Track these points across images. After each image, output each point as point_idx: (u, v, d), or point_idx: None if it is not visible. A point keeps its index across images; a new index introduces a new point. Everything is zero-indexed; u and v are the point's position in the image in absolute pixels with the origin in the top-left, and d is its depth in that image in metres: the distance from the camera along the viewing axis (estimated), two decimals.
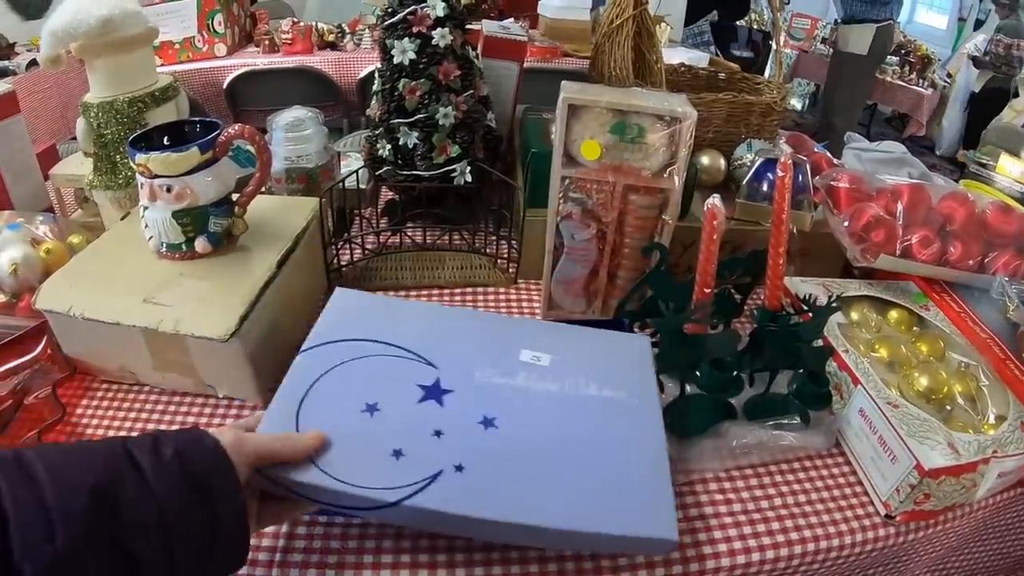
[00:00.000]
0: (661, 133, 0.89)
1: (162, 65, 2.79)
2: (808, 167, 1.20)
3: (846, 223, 1.09)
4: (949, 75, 6.37)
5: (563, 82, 0.93)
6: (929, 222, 1.11)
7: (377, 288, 1.14)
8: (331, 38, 3.21)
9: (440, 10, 1.09)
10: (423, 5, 1.08)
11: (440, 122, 1.13)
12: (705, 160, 1.31)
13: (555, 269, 1.03)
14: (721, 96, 1.35)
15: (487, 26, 1.42)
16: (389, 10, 1.10)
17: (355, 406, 0.67)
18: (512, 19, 3.22)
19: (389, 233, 1.22)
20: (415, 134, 1.15)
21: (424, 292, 1.16)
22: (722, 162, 1.34)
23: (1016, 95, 5.66)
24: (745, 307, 1.09)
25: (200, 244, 0.87)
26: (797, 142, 1.48)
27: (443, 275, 1.19)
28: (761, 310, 0.90)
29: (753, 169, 1.20)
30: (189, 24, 2.91)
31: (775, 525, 0.80)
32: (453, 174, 1.18)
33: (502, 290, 1.18)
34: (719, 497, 0.83)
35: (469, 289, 1.18)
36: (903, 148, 1.52)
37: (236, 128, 0.86)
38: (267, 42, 3.10)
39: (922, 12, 8.73)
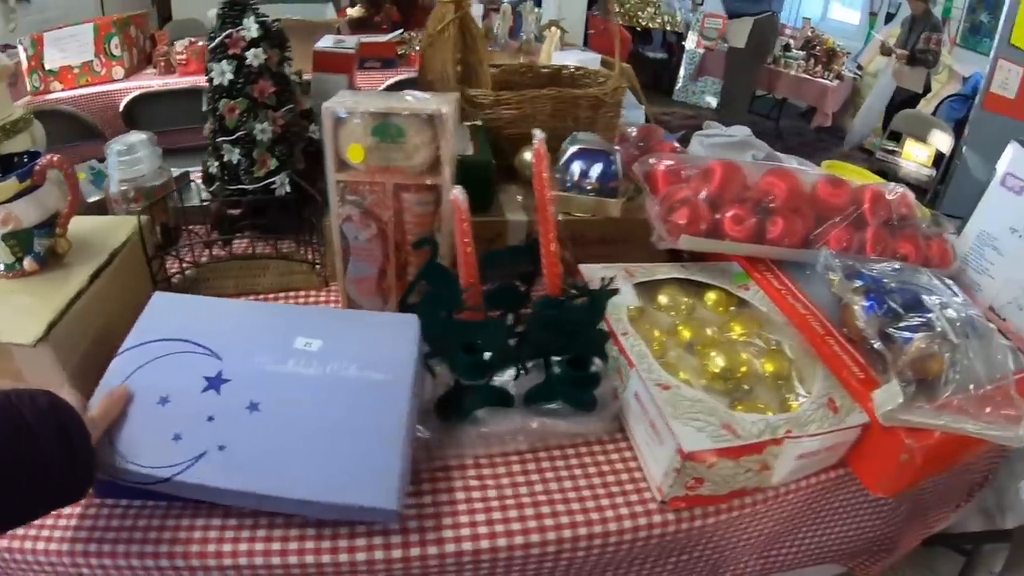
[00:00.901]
0: (421, 132, 0.90)
1: (62, 90, 2.79)
2: (619, 156, 1.17)
3: (656, 206, 1.06)
4: (860, 67, 6.52)
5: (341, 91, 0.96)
6: (745, 200, 1.08)
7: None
8: None
9: (254, 31, 1.14)
10: (239, 28, 1.13)
11: (258, 137, 1.18)
12: (527, 155, 1.27)
13: (346, 270, 1.01)
14: (544, 92, 1.32)
15: (321, 42, 1.57)
16: (212, 35, 1.16)
17: (152, 399, 0.76)
18: (403, 31, 3.20)
19: (219, 244, 1.26)
20: (237, 150, 1.19)
21: (246, 299, 1.16)
22: None
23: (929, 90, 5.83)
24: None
25: (28, 263, 0.95)
26: (646, 133, 1.46)
27: (265, 282, 1.21)
28: (543, 298, 0.87)
29: (562, 160, 1.17)
30: (87, 48, 2.87)
31: (529, 511, 0.77)
32: (273, 186, 1.21)
33: (313, 293, 1.19)
34: (475, 483, 0.81)
35: (283, 294, 1.19)
36: (747, 131, 1.50)
37: (49, 158, 0.93)
38: (163, 63, 3.05)
39: (836, 8, 8.93)
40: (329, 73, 1.48)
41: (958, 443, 0.85)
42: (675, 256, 1.17)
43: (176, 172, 1.32)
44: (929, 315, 0.91)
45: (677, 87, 6.96)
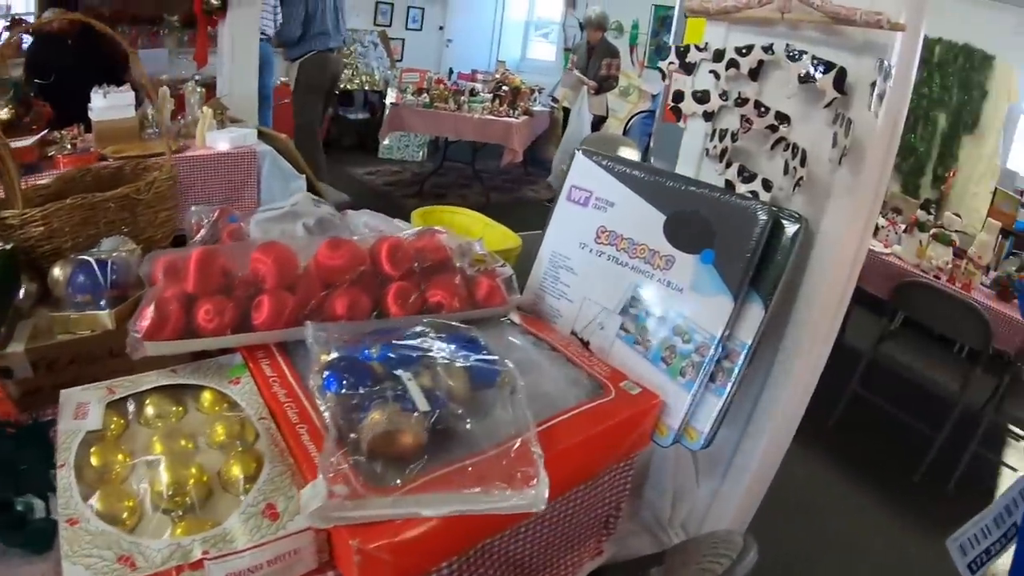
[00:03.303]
0: None
1: None
2: (110, 263, 1.07)
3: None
4: (555, 100, 6.90)
5: None
6: (232, 287, 1.00)
7: None
8: None
9: None
10: None
11: None
12: (56, 272, 1.13)
13: None
14: (68, 201, 1.20)
15: None
16: None
17: None
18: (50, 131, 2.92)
19: None
20: None
21: None
22: None
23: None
24: None
25: None
26: (218, 216, 1.36)
27: None
28: None
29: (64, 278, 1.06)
30: None
31: None
32: None
33: None
34: None
35: None
36: (301, 198, 1.44)
37: None
38: None
39: (534, 48, 9.47)
40: None
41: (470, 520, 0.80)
42: None
43: None
44: (408, 381, 0.88)
45: (383, 144, 7.01)
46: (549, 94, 7.17)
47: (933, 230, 3.66)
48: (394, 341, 0.96)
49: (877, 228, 3.85)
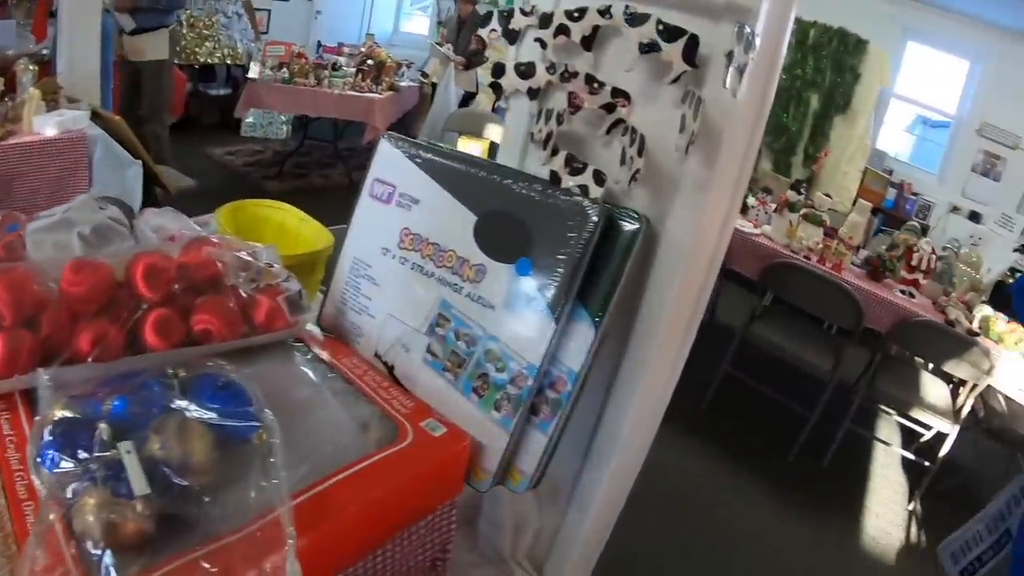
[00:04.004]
0: None
1: None
2: None
3: None
4: (424, 75, 6.65)
5: None
6: None
7: None
8: None
9: None
10: None
11: None
12: None
13: None
14: None
15: None
16: None
17: None
18: None
19: None
20: None
21: None
22: None
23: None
24: None
25: None
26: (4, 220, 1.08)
27: None
28: None
29: None
30: None
31: None
32: None
33: None
34: None
35: None
36: (79, 202, 1.16)
37: None
38: None
39: (408, 21, 9.16)
40: None
41: None
42: None
43: None
44: (127, 454, 0.66)
45: (245, 122, 6.59)
46: (419, 68, 6.89)
47: (804, 210, 3.65)
48: (131, 391, 0.74)
49: (747, 207, 3.81)
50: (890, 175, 6.37)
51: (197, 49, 6.54)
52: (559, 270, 0.87)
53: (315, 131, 6.13)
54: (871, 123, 6.15)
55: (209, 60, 6.71)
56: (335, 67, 5.60)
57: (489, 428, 0.90)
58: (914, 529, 3.44)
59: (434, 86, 6.33)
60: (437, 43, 6.54)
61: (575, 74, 0.98)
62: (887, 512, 3.47)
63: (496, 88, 1.08)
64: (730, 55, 0.82)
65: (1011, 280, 4.15)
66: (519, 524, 1.16)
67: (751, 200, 3.92)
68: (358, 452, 0.81)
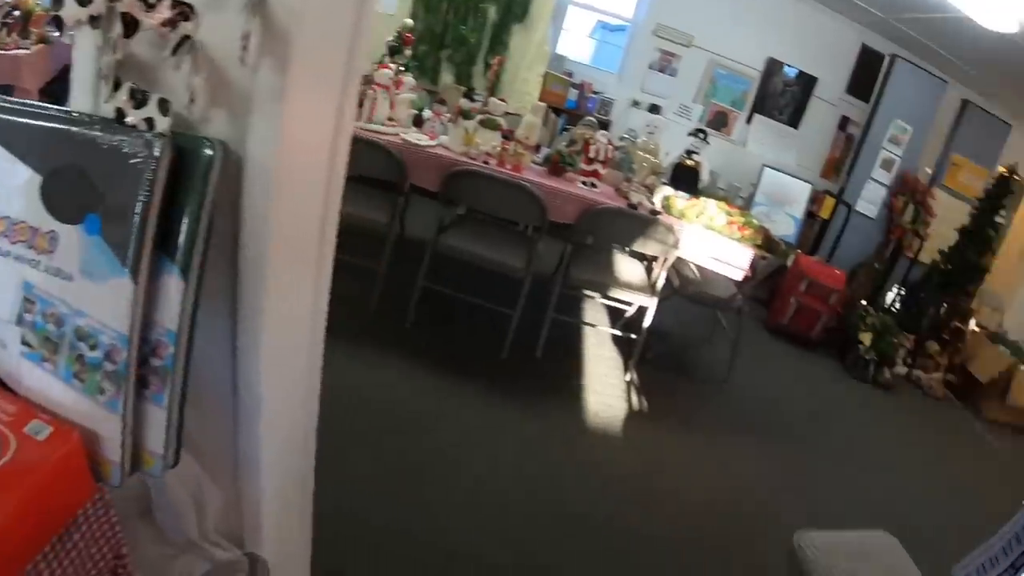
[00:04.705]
0: None
1: None
2: None
3: None
4: None
5: None
6: None
7: None
8: None
9: None
10: None
11: None
12: None
13: None
14: None
15: None
16: None
17: None
18: None
19: None
20: None
21: None
22: None
23: None
24: None
25: None
26: None
27: None
28: None
29: None
30: None
31: None
32: None
33: None
34: None
35: None
36: None
37: None
38: None
39: None
40: None
41: None
42: None
43: None
44: None
45: None
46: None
47: (480, 116, 3.66)
48: None
49: (422, 120, 3.76)
50: (571, 77, 6.70)
51: None
52: (128, 221, 0.75)
53: None
54: (548, 30, 6.39)
55: None
56: None
57: (99, 414, 0.79)
58: (633, 396, 3.75)
59: None
60: None
61: None
62: (605, 387, 3.74)
63: (58, 23, 0.91)
64: None
65: (688, 161, 4.56)
66: (198, 503, 1.06)
67: (427, 113, 3.89)
68: None
